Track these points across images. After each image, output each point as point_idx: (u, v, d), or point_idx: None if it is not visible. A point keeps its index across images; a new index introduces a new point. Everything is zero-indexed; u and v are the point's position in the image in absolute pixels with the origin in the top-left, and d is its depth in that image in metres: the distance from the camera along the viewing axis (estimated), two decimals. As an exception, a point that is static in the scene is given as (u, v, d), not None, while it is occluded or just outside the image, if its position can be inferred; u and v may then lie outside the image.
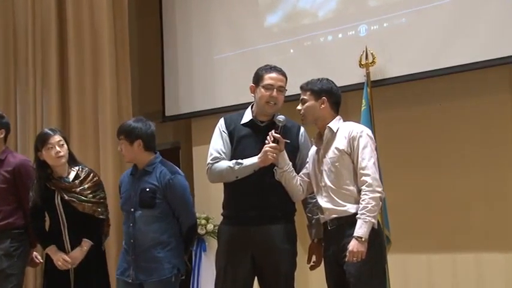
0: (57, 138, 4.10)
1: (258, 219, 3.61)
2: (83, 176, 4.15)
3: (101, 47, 6.06)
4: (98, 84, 6.06)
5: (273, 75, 3.67)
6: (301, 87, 3.62)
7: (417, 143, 5.17)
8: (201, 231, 5.91)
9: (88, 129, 6.03)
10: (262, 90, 3.65)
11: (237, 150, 3.70)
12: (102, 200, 4.16)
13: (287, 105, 3.75)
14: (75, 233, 4.09)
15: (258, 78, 3.71)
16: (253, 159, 3.59)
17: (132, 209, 3.92)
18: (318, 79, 3.61)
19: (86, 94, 6.08)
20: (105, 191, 4.26)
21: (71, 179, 4.12)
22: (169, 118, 6.67)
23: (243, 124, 3.74)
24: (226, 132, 3.75)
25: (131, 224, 3.92)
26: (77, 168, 4.17)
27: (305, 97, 3.58)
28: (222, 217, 3.85)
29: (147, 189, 3.89)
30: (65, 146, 4.14)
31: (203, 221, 5.97)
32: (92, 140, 6.00)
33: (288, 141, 3.61)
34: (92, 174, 4.19)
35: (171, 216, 3.92)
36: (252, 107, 3.78)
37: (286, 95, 3.76)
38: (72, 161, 4.19)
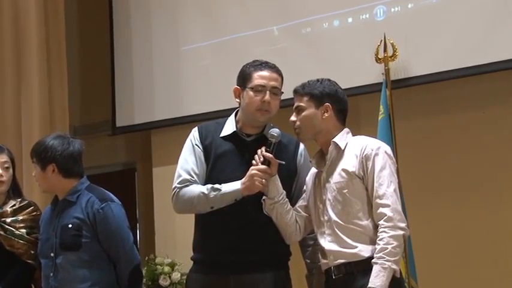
0: (4, 157, 4.21)
1: (241, 265, 3.60)
2: (18, 205, 4.21)
3: (27, 36, 6.07)
4: (23, 85, 6.07)
5: (264, 73, 3.67)
6: (296, 92, 3.62)
7: (452, 163, 5.22)
8: (163, 282, 5.92)
9: (8, 146, 5.98)
10: (251, 93, 3.65)
11: (214, 171, 3.69)
12: (38, 241, 4.17)
13: (277, 114, 3.73)
14: None
15: (244, 78, 3.71)
16: (235, 185, 3.58)
17: (52, 254, 3.92)
18: (318, 80, 3.62)
19: (6, 99, 6.07)
20: None
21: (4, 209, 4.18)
22: (122, 130, 6.70)
23: (223, 137, 3.73)
24: (200, 146, 3.74)
25: (51, 274, 3.91)
26: (18, 200, 4.27)
27: (302, 104, 3.58)
28: (191, 262, 3.83)
29: (70, 226, 3.88)
30: (10, 170, 4.23)
31: (166, 269, 5.97)
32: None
33: (283, 162, 3.61)
34: (32, 208, 4.25)
35: (104, 260, 3.91)
36: (236, 115, 3.79)
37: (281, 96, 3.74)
38: (15, 193, 4.28)
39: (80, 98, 7.03)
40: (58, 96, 6.18)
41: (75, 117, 6.74)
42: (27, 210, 4.20)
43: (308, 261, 3.81)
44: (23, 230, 4.14)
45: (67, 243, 3.87)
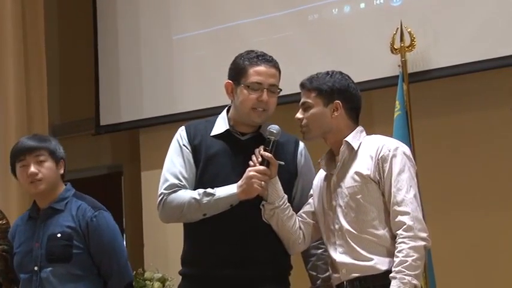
0: None
1: (237, 281, 3.58)
2: None
3: (2, 25, 6.08)
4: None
5: (262, 68, 3.64)
6: (303, 86, 3.60)
7: (476, 164, 5.19)
8: (153, 299, 5.92)
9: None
10: (246, 91, 3.63)
11: (205, 174, 3.67)
12: (3, 254, 4.15)
13: (278, 110, 3.72)
14: None
15: (238, 73, 3.68)
16: (231, 189, 3.56)
17: (36, 267, 3.90)
18: (328, 73, 3.59)
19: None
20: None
21: None
22: (106, 129, 6.69)
23: (214, 136, 3.72)
24: (188, 147, 3.72)
25: None
26: None
27: (309, 100, 3.55)
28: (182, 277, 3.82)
29: (59, 235, 3.87)
30: None
31: (156, 284, 5.95)
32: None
33: (282, 163, 3.59)
34: None
35: (94, 275, 3.92)
36: (228, 112, 3.78)
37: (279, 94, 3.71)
38: None
39: (60, 94, 7.02)
40: (36, 92, 6.20)
41: (55, 115, 6.74)
42: None
43: (312, 272, 3.80)
44: None
45: (56, 255, 3.86)
